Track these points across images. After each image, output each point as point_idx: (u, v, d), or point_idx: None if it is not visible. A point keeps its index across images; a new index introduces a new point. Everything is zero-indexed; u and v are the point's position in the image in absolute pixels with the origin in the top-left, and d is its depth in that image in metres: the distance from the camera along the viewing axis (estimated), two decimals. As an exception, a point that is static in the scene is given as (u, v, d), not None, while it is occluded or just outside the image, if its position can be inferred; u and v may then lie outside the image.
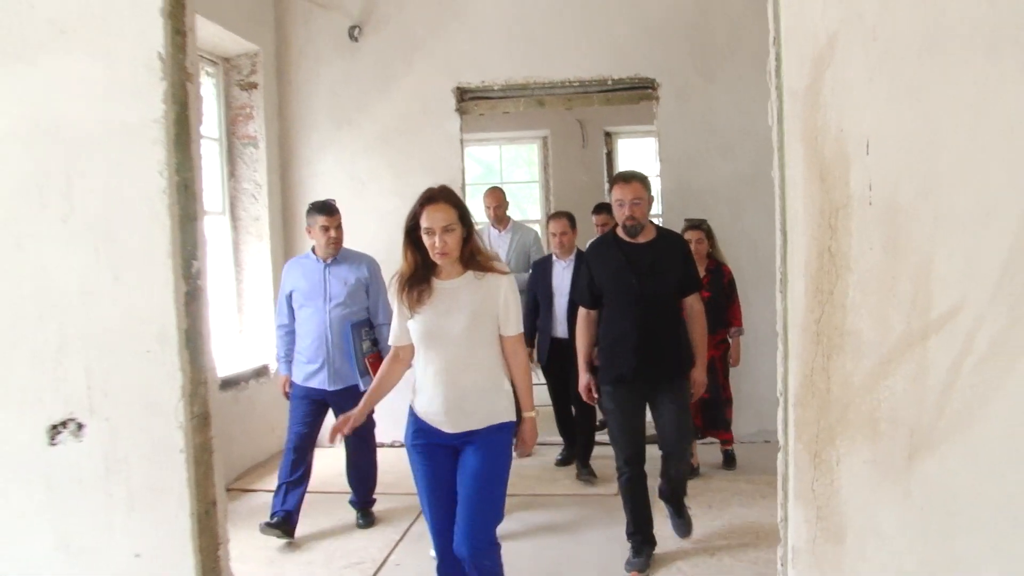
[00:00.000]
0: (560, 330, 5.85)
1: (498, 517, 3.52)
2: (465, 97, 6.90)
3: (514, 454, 3.53)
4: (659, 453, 4.45)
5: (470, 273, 3.40)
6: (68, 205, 2.53)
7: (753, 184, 6.07)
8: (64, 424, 2.60)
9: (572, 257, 5.83)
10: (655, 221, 4.57)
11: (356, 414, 3.52)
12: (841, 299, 2.26)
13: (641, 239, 4.34)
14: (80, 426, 2.59)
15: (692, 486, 4.98)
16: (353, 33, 6.82)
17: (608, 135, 11.02)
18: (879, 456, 2.28)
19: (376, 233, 5.88)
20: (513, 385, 3.49)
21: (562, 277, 5.88)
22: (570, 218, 6.01)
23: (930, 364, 2.24)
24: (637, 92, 6.86)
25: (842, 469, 2.30)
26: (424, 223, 3.30)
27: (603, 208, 6.55)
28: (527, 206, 11.81)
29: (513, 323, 3.46)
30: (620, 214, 4.34)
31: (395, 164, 6.76)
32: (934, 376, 2.24)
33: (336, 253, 4.93)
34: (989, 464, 2.24)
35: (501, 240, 6.64)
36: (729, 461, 6.01)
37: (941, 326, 2.21)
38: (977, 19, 2.14)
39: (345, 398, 4.73)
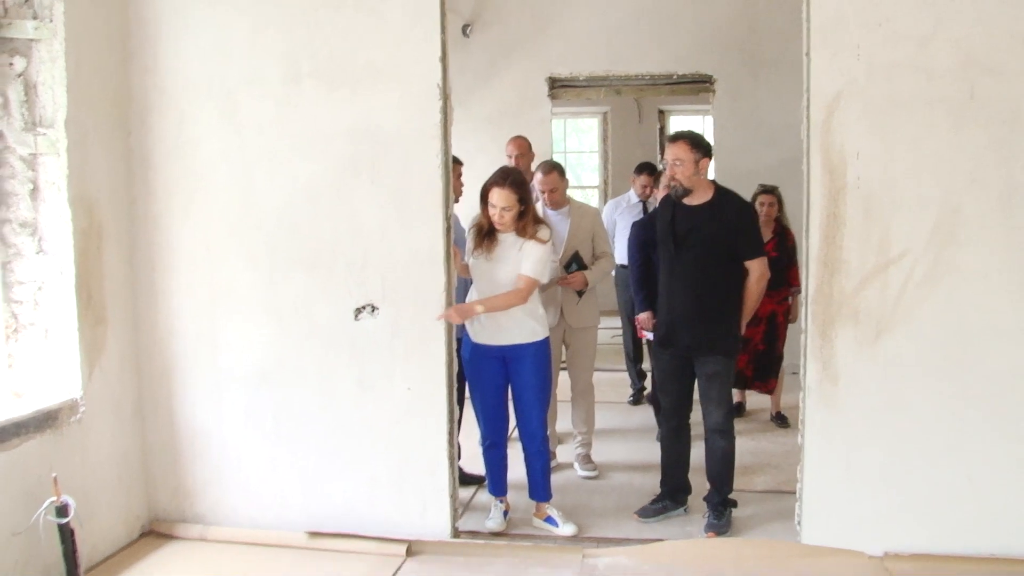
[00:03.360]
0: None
1: (546, 411, 4.33)
2: (555, 86, 7.98)
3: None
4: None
5: (515, 234, 4.11)
6: (374, 174, 4.01)
7: (790, 168, 6.48)
8: (364, 308, 4.06)
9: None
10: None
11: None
12: (839, 243, 3.70)
13: (695, 201, 4.14)
14: (374, 309, 4.05)
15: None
16: (465, 31, 7.92)
17: (661, 112, 11.80)
18: (859, 335, 3.74)
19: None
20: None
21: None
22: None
23: (889, 283, 3.70)
24: (697, 86, 7.87)
25: (837, 341, 3.76)
26: (491, 199, 4.06)
27: (643, 168, 6.89)
28: (583, 174, 12.87)
29: (527, 267, 4.08)
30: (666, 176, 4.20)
31: (498, 140, 7.42)
32: (891, 290, 3.70)
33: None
34: (921, 341, 3.71)
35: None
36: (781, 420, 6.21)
37: (895, 262, 3.69)
38: (921, 88, 3.59)
39: None
